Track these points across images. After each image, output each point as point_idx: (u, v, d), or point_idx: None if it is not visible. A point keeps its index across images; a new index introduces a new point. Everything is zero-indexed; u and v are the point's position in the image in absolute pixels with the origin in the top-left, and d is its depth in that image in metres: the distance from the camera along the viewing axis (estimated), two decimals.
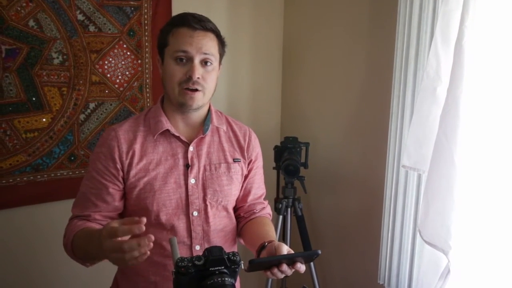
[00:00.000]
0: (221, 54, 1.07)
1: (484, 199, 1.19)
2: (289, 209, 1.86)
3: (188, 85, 1.00)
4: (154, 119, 1.07)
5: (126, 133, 1.05)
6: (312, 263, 1.81)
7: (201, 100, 1.03)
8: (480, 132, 1.16)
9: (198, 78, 1.00)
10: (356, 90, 1.79)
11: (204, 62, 1.01)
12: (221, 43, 1.06)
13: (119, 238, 0.77)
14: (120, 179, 1.03)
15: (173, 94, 1.02)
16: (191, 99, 1.01)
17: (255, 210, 1.17)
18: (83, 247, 0.95)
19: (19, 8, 1.49)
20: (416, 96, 1.39)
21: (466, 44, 1.12)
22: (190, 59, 0.99)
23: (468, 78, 1.12)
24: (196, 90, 1.01)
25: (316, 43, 1.98)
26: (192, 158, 1.07)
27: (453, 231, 1.18)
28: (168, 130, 1.05)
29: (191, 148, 1.07)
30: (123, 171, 1.02)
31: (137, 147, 1.04)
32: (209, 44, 1.01)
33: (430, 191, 1.23)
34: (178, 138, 1.06)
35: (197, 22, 1.00)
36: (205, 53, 1.00)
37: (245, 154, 1.14)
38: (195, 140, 1.07)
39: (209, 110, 1.12)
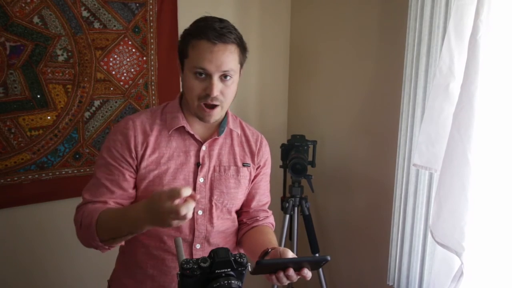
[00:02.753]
0: (242, 62, 1.04)
1: (499, 199, 1.16)
2: (296, 208, 1.83)
3: (206, 101, 0.99)
4: (171, 114, 1.06)
5: (143, 124, 1.04)
6: (316, 270, 1.78)
7: (218, 115, 1.03)
8: (495, 130, 1.13)
9: (217, 94, 0.98)
10: (365, 87, 1.76)
11: (224, 76, 0.98)
12: (243, 50, 1.02)
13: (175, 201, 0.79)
14: (135, 167, 1.03)
15: (192, 106, 1.02)
16: (209, 116, 1.01)
17: (258, 218, 1.16)
18: (115, 222, 0.93)
19: (23, 5, 1.48)
20: (427, 93, 1.36)
21: (481, 39, 1.08)
22: (209, 75, 0.97)
23: (483, 74, 1.09)
24: (215, 106, 0.99)
25: (324, 40, 1.95)
26: (203, 157, 1.06)
27: (467, 232, 1.15)
28: (183, 127, 1.05)
29: (203, 148, 1.06)
30: (137, 160, 1.02)
31: (152, 139, 1.03)
32: (229, 59, 0.97)
33: (443, 190, 1.19)
34: (192, 136, 1.06)
35: (217, 37, 0.95)
36: (225, 71, 0.97)
37: (255, 159, 1.14)
38: (208, 140, 1.07)
39: (226, 113, 1.10)
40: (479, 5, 1.08)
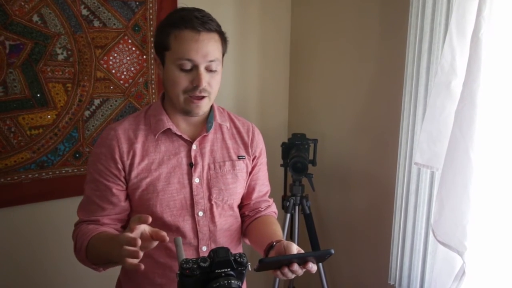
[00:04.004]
0: (224, 53, 1.02)
1: (501, 197, 1.15)
2: (297, 207, 1.82)
3: (194, 93, 0.96)
4: (155, 117, 1.03)
5: (126, 132, 1.01)
6: (320, 263, 1.78)
7: (206, 106, 1.00)
8: (498, 128, 1.12)
9: (205, 85, 0.96)
10: (366, 85, 1.75)
11: (210, 67, 0.96)
12: (224, 41, 1.00)
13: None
14: (122, 179, 1.00)
15: (177, 101, 0.98)
16: (198, 107, 0.98)
17: (260, 208, 1.14)
18: (101, 251, 0.91)
19: (22, 3, 1.47)
20: (429, 91, 1.35)
21: (484, 36, 1.07)
22: (195, 67, 0.94)
23: (485, 72, 1.08)
24: (203, 97, 0.97)
25: (324, 37, 1.94)
26: (195, 156, 1.03)
27: (469, 231, 1.14)
28: (169, 129, 1.01)
29: (194, 147, 1.03)
30: (124, 171, 0.99)
31: (138, 146, 1.00)
32: (214, 48, 0.95)
33: (445, 189, 1.18)
34: (180, 136, 1.03)
35: (201, 24, 0.92)
36: (211, 60, 0.95)
37: (249, 150, 1.11)
38: (198, 139, 1.04)
39: (211, 107, 1.07)
40: (481, 1, 1.07)
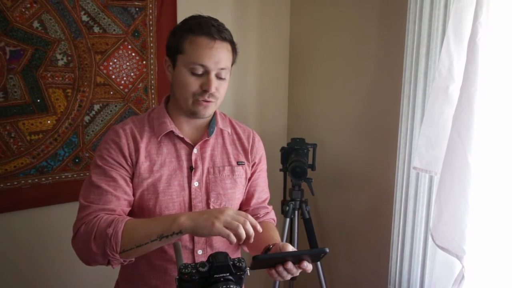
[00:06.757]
0: (233, 63, 1.05)
1: (500, 201, 1.15)
2: (296, 212, 1.82)
3: (203, 98, 0.99)
4: (158, 120, 1.05)
5: (133, 131, 1.03)
6: (320, 267, 1.78)
7: (213, 109, 1.03)
8: (495, 132, 1.13)
9: (214, 91, 0.98)
10: (365, 89, 1.76)
11: (220, 74, 0.99)
12: (235, 51, 1.04)
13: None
14: (131, 174, 1.01)
15: (185, 103, 1.01)
16: (205, 108, 1.00)
17: (258, 215, 1.14)
18: (147, 225, 0.89)
19: (23, 9, 1.48)
20: (427, 95, 1.36)
21: (480, 41, 1.08)
22: (207, 72, 0.97)
23: (482, 76, 1.09)
24: (210, 101, 1.00)
25: (323, 42, 1.95)
26: (196, 160, 1.05)
27: (468, 235, 1.14)
28: (172, 132, 1.03)
29: (195, 151, 1.05)
30: (132, 167, 1.00)
31: (142, 146, 1.02)
32: (226, 57, 0.99)
33: (443, 193, 1.19)
34: (182, 139, 1.04)
35: (217, 32, 0.97)
36: (222, 68, 0.98)
37: (249, 156, 1.12)
38: (199, 143, 1.05)
39: (214, 112, 1.10)
40: (478, 7, 1.08)
